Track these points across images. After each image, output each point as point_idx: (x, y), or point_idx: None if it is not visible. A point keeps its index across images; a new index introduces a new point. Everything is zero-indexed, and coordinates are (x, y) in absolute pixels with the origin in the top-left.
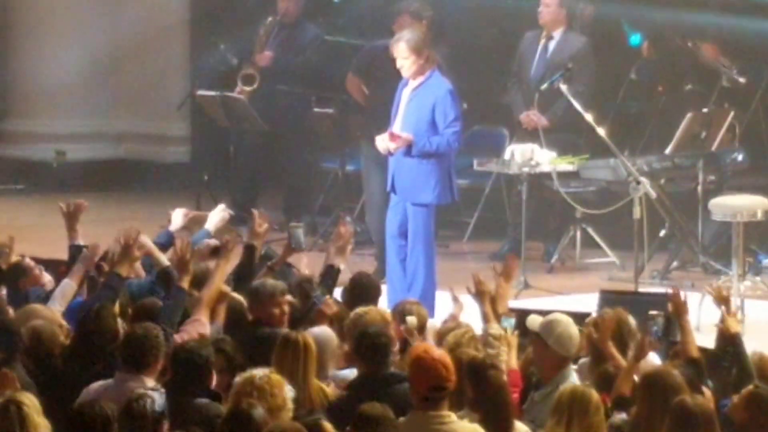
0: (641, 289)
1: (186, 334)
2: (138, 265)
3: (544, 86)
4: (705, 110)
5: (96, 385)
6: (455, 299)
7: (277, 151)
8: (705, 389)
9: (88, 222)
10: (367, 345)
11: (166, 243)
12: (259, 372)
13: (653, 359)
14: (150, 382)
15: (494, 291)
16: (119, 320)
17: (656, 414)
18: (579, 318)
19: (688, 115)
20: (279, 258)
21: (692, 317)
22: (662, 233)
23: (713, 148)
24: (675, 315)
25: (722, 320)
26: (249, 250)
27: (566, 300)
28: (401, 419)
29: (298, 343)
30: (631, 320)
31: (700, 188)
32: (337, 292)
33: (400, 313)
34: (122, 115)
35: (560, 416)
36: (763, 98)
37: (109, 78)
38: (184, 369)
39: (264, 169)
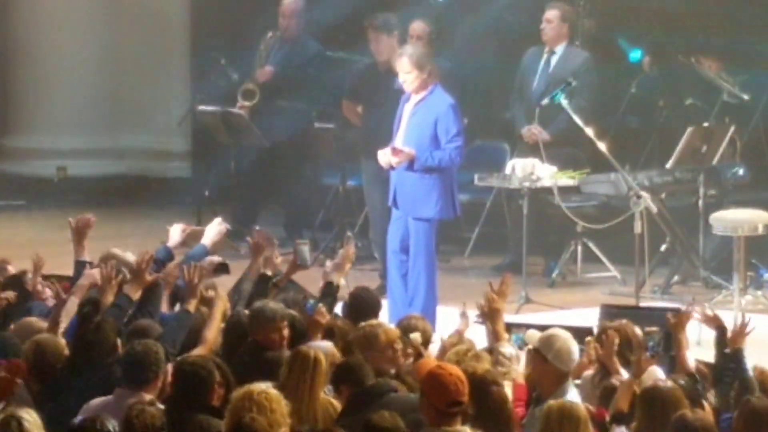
0: (642, 304)
1: None
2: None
3: (545, 101)
4: (706, 124)
5: (96, 401)
6: (463, 314)
7: (278, 166)
8: (705, 403)
9: (89, 238)
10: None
11: (164, 258)
12: (257, 387)
13: (657, 373)
14: (150, 398)
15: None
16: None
17: (656, 428)
18: (580, 333)
19: (689, 130)
20: (284, 275)
21: (693, 331)
22: (663, 248)
23: (714, 162)
24: (673, 329)
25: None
26: (263, 279)
27: (567, 315)
28: None
29: (308, 358)
30: (638, 331)
31: (701, 202)
32: (338, 308)
33: (404, 328)
34: (123, 131)
35: None
36: (763, 113)
37: (110, 94)
38: (186, 384)
39: (265, 185)
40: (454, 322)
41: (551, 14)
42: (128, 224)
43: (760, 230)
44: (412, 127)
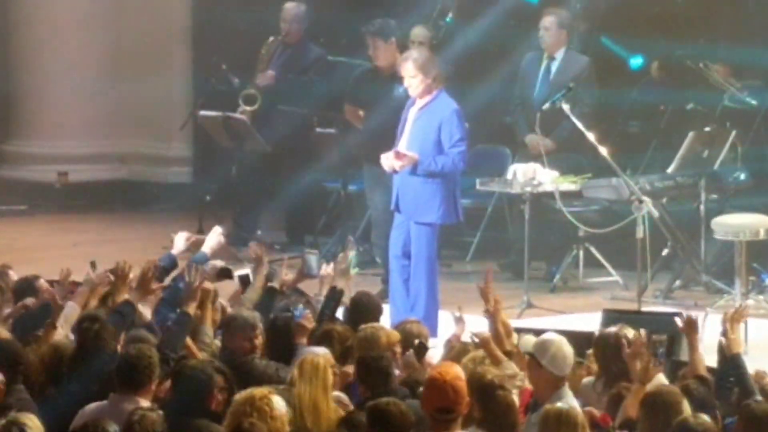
0: (644, 309)
1: None
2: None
3: (546, 106)
4: (707, 129)
5: (91, 406)
6: (459, 320)
7: (279, 171)
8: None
9: (90, 243)
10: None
11: (169, 266)
12: (259, 392)
13: (662, 379)
14: (145, 402)
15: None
16: None
17: None
18: (582, 338)
19: (690, 134)
20: (291, 282)
21: None
22: (665, 252)
23: (715, 167)
24: (686, 332)
25: (724, 335)
26: (269, 291)
27: (569, 319)
28: None
29: (318, 365)
30: (630, 335)
31: (702, 207)
32: (339, 312)
33: (401, 332)
34: (124, 136)
35: None
36: (765, 117)
37: (111, 99)
38: (186, 388)
39: (266, 190)
40: (454, 326)
41: (548, 21)
42: (129, 229)
43: (762, 235)
44: (415, 132)
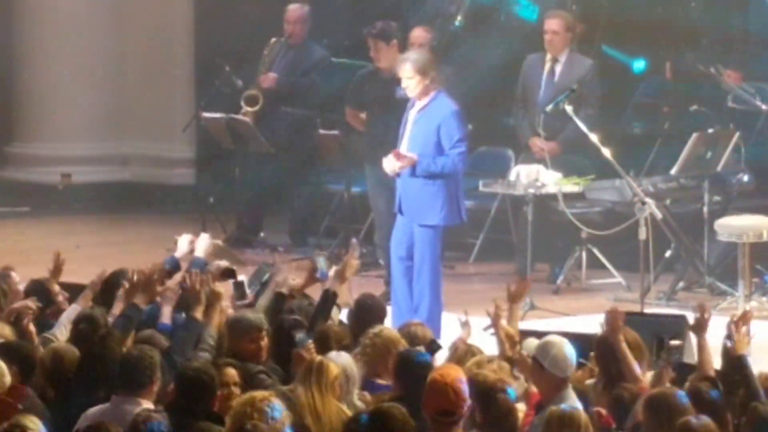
0: (647, 310)
1: None
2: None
3: (549, 107)
4: (710, 131)
5: (94, 409)
6: (465, 323)
7: (282, 173)
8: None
9: (93, 245)
10: (407, 366)
11: (171, 268)
12: (259, 394)
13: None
14: (147, 404)
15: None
16: None
17: None
18: (585, 339)
19: (694, 136)
20: (301, 286)
21: None
22: (668, 254)
23: (719, 168)
24: (696, 332)
25: (729, 337)
26: (278, 297)
27: (572, 321)
28: None
29: (321, 367)
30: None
31: (705, 209)
32: (343, 315)
33: (405, 335)
34: (127, 137)
35: None
36: None
37: (114, 101)
38: (189, 389)
39: (269, 191)
40: (457, 328)
41: (557, 25)
42: (132, 231)
43: (765, 236)
44: (415, 134)
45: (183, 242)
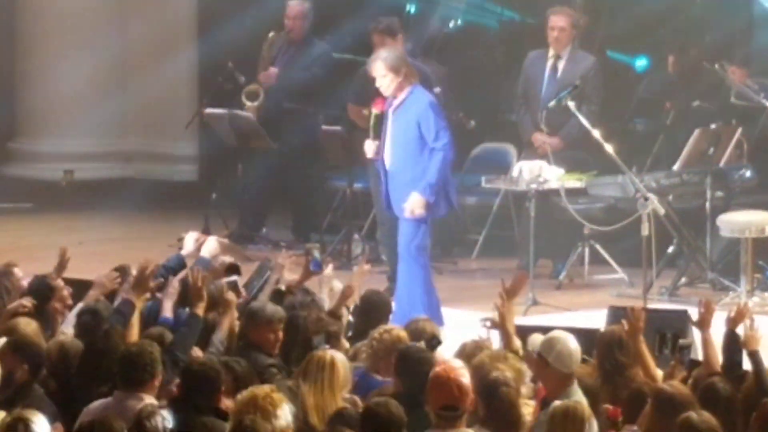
0: (650, 306)
1: None
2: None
3: (551, 103)
4: (713, 126)
5: (96, 404)
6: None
7: (285, 169)
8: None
9: (96, 241)
10: (409, 362)
11: (176, 266)
12: (261, 391)
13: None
14: (149, 399)
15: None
16: None
17: (664, 430)
18: (588, 335)
19: (696, 132)
20: (298, 280)
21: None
22: (670, 250)
23: (721, 164)
24: (700, 328)
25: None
26: (277, 293)
27: (575, 317)
28: None
29: (325, 361)
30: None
31: (708, 204)
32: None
33: (412, 331)
34: (130, 134)
35: None
36: None
37: (116, 97)
38: (194, 385)
39: (272, 188)
40: (459, 324)
41: (563, 21)
42: (135, 228)
43: (767, 232)
44: (396, 131)
45: (189, 240)
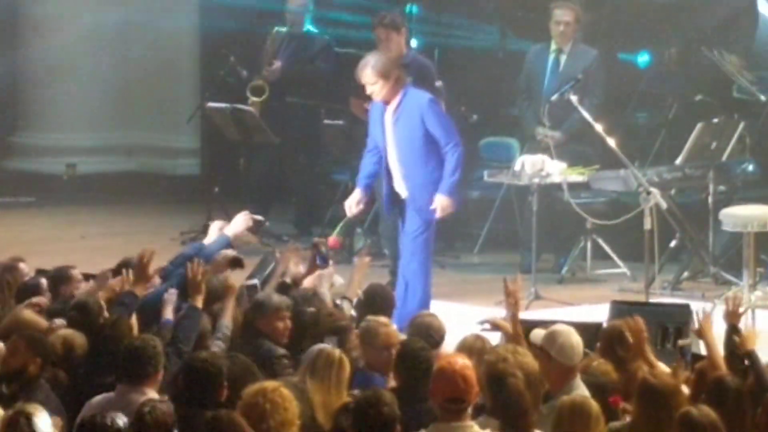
0: (652, 300)
1: None
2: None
3: (554, 97)
4: (715, 120)
5: (98, 398)
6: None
7: (287, 163)
8: None
9: (98, 235)
10: (408, 358)
11: (196, 255)
12: (270, 384)
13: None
14: (151, 393)
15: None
16: None
17: (651, 421)
18: (590, 329)
19: (699, 126)
20: (303, 274)
21: None
22: (673, 244)
23: (723, 158)
24: (701, 336)
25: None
26: (282, 286)
27: (577, 311)
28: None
29: (334, 358)
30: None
31: (710, 199)
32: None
33: (418, 326)
34: (132, 128)
35: (561, 429)
36: None
37: (119, 91)
38: (196, 380)
39: (274, 182)
40: (462, 318)
41: (568, 16)
42: (137, 221)
43: None
44: (399, 135)
45: (214, 229)
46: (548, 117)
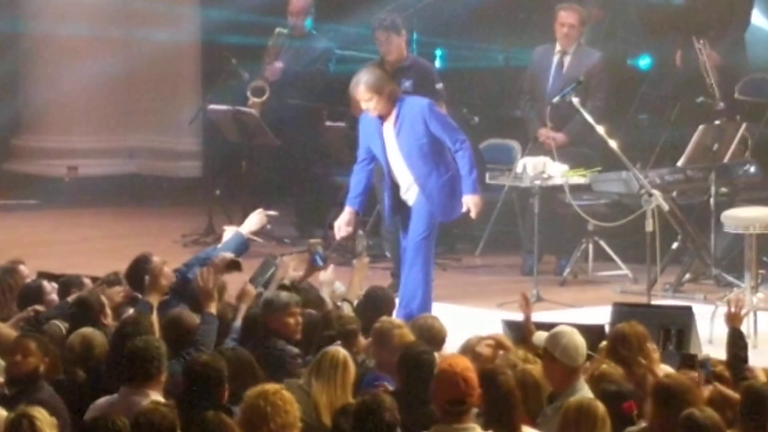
0: (654, 302)
1: None
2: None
3: (556, 99)
4: (717, 122)
5: (102, 400)
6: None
7: (288, 165)
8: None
9: (100, 237)
10: (410, 361)
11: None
12: (272, 387)
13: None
14: (155, 395)
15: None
16: None
17: (669, 422)
18: (592, 331)
19: (700, 128)
20: (302, 276)
21: (704, 330)
22: (674, 246)
23: (725, 160)
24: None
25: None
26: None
27: (579, 313)
28: None
29: (338, 360)
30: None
31: (712, 200)
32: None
33: (419, 327)
34: (134, 130)
35: (567, 430)
36: None
37: (121, 93)
38: (198, 382)
39: (276, 184)
40: (464, 320)
41: (574, 18)
42: (139, 223)
43: None
44: (403, 145)
45: (228, 234)
46: (551, 119)
